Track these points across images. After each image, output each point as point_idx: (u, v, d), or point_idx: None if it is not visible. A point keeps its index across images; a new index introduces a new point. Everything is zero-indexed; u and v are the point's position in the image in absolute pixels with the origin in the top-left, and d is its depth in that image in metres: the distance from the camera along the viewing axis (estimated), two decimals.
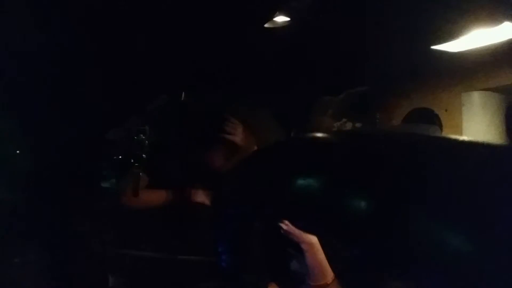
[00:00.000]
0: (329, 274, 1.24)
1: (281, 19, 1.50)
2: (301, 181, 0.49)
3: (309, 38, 1.81)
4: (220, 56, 1.83)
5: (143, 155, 1.49)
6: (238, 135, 1.39)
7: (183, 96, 1.50)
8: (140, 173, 1.51)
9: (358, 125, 2.76)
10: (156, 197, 1.65)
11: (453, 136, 0.41)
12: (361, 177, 0.42)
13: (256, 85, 2.31)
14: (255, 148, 1.67)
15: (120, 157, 1.74)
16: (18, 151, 1.71)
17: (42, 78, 1.66)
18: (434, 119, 2.45)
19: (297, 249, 1.31)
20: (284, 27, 1.54)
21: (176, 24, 1.56)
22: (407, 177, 0.38)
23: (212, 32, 1.55)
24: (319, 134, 0.56)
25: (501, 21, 1.51)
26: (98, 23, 1.48)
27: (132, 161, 1.48)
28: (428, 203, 0.36)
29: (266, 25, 1.49)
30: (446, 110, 2.41)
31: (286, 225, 1.14)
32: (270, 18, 1.44)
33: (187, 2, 1.42)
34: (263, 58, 1.97)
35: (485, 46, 1.81)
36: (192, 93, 1.62)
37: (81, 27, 1.50)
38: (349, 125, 2.77)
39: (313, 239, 1.19)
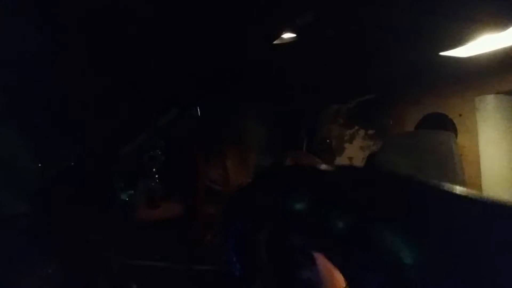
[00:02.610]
0: (341, 282, 1.25)
1: (287, 35, 1.55)
2: (293, 203, 0.54)
3: (319, 49, 1.83)
4: (229, 70, 1.87)
5: (157, 169, 1.54)
6: None
7: (197, 110, 1.56)
8: (155, 187, 1.57)
9: (370, 132, 2.76)
10: (169, 209, 1.70)
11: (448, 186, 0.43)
12: (342, 203, 0.46)
13: (265, 97, 2.34)
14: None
15: (133, 171, 1.80)
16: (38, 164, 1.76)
17: (55, 93, 1.73)
18: (448, 125, 2.42)
19: (308, 257, 1.32)
20: (291, 42, 1.58)
21: (187, 40, 1.61)
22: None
23: (222, 49, 1.60)
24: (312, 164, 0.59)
25: (507, 26, 1.49)
26: (108, 39, 1.54)
27: (146, 175, 1.54)
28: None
29: (274, 42, 1.54)
30: (460, 115, 2.37)
31: None
32: (277, 36, 1.48)
33: (199, 22, 1.47)
34: (271, 70, 2.00)
35: (495, 51, 1.79)
36: (201, 106, 1.67)
37: (91, 44, 1.56)
38: (361, 133, 2.78)
39: None
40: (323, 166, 0.62)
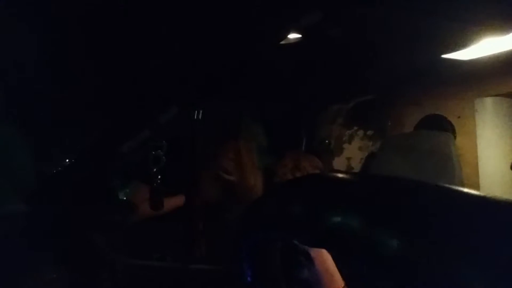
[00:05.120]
0: (339, 282, 1.26)
1: (293, 36, 1.56)
2: (326, 215, 0.53)
3: (319, 50, 1.83)
4: (233, 68, 1.87)
5: (159, 169, 1.53)
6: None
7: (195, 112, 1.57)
8: (158, 188, 1.56)
9: (369, 132, 2.77)
10: (168, 205, 1.71)
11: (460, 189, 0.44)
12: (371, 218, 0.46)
13: (267, 96, 2.34)
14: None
15: (133, 170, 1.80)
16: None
17: (53, 90, 1.71)
18: (446, 126, 2.43)
19: (308, 257, 1.33)
20: (295, 43, 1.59)
21: (189, 37, 1.60)
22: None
23: (227, 47, 1.59)
24: (340, 174, 0.60)
25: (509, 31, 1.50)
26: (110, 35, 1.53)
27: (147, 175, 1.54)
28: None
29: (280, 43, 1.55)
30: (458, 117, 2.38)
31: None
32: (281, 36, 1.49)
33: (201, 19, 1.46)
34: (274, 70, 2.00)
35: (496, 54, 1.80)
36: (203, 104, 1.67)
37: (94, 39, 1.54)
38: (360, 133, 2.79)
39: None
40: (328, 175, 0.62)
